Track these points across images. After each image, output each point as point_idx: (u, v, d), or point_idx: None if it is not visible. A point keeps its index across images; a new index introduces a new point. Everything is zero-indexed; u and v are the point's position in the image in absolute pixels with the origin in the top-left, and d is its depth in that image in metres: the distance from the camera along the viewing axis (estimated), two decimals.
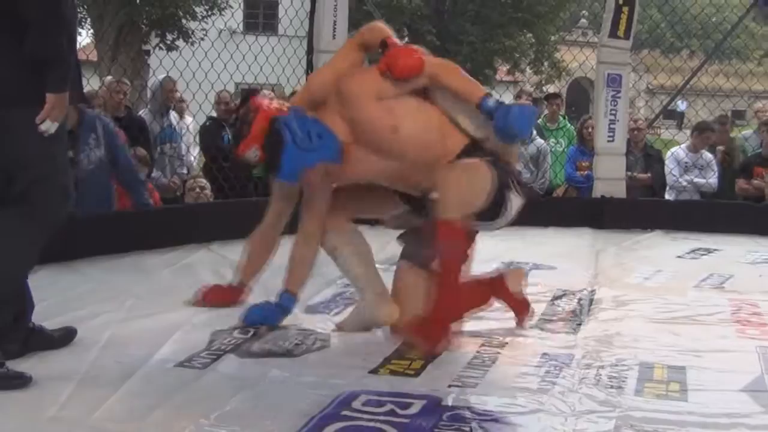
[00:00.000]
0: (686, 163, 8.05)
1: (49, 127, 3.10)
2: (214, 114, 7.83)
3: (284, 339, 3.55)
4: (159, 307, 4.06)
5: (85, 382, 2.98)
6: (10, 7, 3.06)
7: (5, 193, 3.17)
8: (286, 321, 3.80)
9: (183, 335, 3.59)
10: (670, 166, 8.09)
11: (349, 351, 3.45)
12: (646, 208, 7.38)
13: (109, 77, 8.02)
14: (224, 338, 3.53)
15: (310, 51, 6.93)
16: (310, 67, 6.91)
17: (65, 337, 3.49)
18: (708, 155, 8.14)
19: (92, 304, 4.10)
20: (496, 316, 4.01)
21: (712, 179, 7.97)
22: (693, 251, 6.01)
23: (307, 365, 3.22)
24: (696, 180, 7.96)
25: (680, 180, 7.96)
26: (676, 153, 8.15)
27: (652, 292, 4.65)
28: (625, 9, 7.19)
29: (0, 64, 3.10)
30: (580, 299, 4.43)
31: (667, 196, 8.01)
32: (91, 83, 8.74)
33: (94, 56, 17.44)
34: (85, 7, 18.44)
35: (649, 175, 8.08)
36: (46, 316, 3.54)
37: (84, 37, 19.69)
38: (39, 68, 3.09)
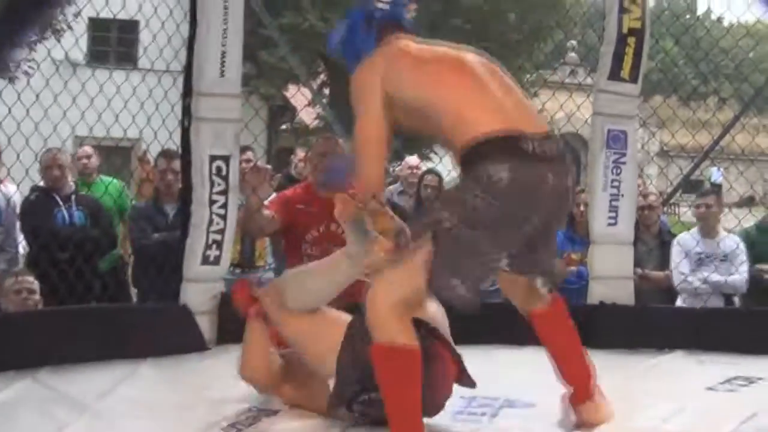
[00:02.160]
0: (699, 254, 8.20)
1: None
2: (42, 183, 7.79)
3: None
4: None
5: None
6: None
7: None
8: None
9: None
10: (676, 259, 8.22)
11: None
12: (662, 318, 7.44)
13: None
14: None
15: (187, 93, 6.91)
16: (186, 116, 6.89)
17: None
18: (732, 239, 8.32)
19: None
20: None
21: (736, 275, 8.16)
22: (729, 381, 6.04)
23: None
24: (713, 278, 8.10)
25: (690, 278, 8.09)
26: (684, 241, 8.29)
27: None
28: (632, 40, 7.31)
29: None
30: None
31: (679, 303, 8.14)
32: None
33: None
34: None
35: (666, 272, 8.21)
36: None
37: None
38: None
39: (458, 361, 4.86)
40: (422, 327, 4.55)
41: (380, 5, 4.59)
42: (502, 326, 4.82)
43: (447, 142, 4.23)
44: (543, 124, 4.29)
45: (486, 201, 3.96)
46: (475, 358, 4.97)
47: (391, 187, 10.06)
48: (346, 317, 4.87)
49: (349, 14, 4.66)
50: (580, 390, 4.59)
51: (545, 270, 4.51)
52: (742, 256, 8.23)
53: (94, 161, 8.57)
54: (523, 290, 4.57)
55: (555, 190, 4.12)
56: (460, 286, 3.99)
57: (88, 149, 8.79)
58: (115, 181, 8.77)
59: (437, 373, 4.65)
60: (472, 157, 4.04)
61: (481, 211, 3.97)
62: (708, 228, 8.36)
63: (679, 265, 8.21)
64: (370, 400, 4.56)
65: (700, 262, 8.22)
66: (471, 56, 4.40)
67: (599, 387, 4.66)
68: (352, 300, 4.90)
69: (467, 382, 4.90)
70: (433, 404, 4.68)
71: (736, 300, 8.39)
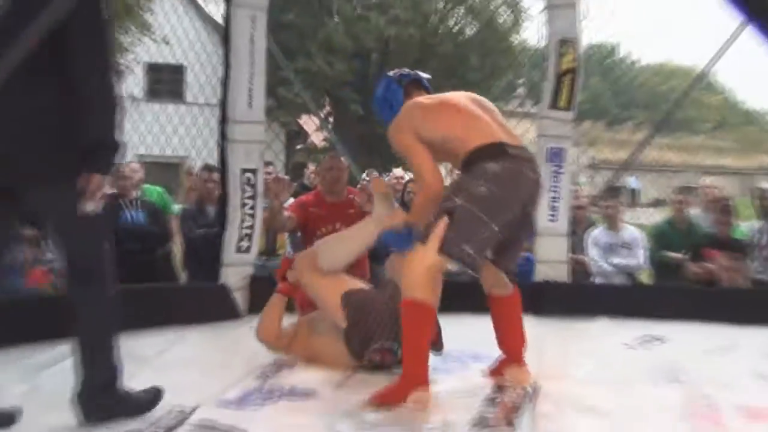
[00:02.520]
0: (608, 243, 8.30)
1: (94, 208, 3.58)
2: (112, 190, 7.80)
3: None
4: (43, 417, 3.98)
5: None
6: (68, 86, 3.52)
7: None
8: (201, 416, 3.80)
9: None
10: (590, 251, 8.31)
11: None
12: (591, 293, 7.52)
13: None
14: None
15: (223, 121, 6.94)
16: (223, 139, 6.94)
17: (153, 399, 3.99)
18: (633, 231, 8.47)
19: None
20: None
21: (638, 259, 8.30)
22: (642, 340, 6.11)
23: None
24: (622, 262, 8.21)
25: (604, 264, 8.20)
26: (595, 235, 8.39)
27: (601, 386, 4.70)
28: (567, 78, 7.38)
29: (48, 142, 3.56)
30: (523, 393, 4.49)
31: (595, 282, 8.23)
32: None
33: None
34: None
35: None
36: None
37: None
38: (88, 148, 3.58)
39: (438, 330, 4.95)
40: None
41: (405, 71, 4.97)
42: (470, 298, 4.87)
43: (454, 158, 4.52)
44: (518, 138, 4.61)
45: (486, 187, 4.23)
46: (448, 324, 5.03)
47: None
48: (360, 281, 5.10)
49: (384, 78, 4.99)
50: (514, 356, 4.81)
51: (513, 266, 4.81)
52: (641, 243, 8.36)
53: (140, 174, 8.56)
54: (492, 277, 4.74)
55: (531, 179, 4.42)
56: (468, 250, 4.20)
57: (134, 165, 8.79)
58: (159, 188, 8.76)
59: None
60: (471, 161, 4.37)
61: (482, 194, 4.23)
62: (613, 223, 8.44)
63: (592, 254, 8.31)
64: (382, 348, 4.80)
65: (608, 249, 8.31)
66: (463, 98, 4.70)
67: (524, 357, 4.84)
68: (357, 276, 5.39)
69: (438, 346, 4.99)
70: None
71: (639, 278, 8.56)
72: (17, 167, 3.58)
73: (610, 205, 8.63)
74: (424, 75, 5.01)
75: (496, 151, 4.37)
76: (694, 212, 8.97)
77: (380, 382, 4.53)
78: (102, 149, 3.64)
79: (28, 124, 3.56)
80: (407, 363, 4.30)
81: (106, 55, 3.65)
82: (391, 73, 5.00)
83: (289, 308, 5.49)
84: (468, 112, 4.56)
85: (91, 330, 3.85)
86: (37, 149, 3.57)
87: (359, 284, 5.11)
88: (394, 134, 4.61)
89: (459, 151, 4.44)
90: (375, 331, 4.80)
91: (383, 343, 4.81)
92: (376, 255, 6.28)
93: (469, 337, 5.46)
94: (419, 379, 4.23)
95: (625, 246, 8.32)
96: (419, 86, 4.92)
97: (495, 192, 4.24)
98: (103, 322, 3.89)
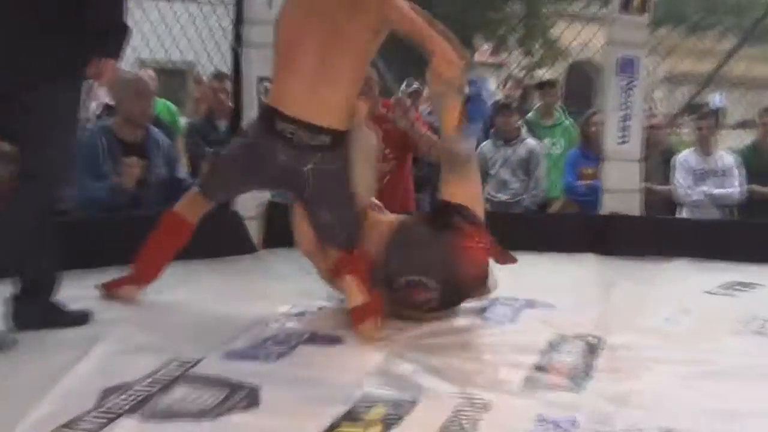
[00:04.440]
0: (699, 170, 8.19)
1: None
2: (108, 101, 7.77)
3: (201, 395, 3.48)
4: (39, 349, 3.98)
5: None
6: None
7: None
8: (204, 369, 3.74)
9: (67, 387, 3.50)
10: (679, 176, 8.20)
11: (283, 411, 3.37)
12: (667, 229, 7.43)
13: None
14: (120, 394, 3.44)
15: (238, 21, 6.89)
16: (237, 42, 6.87)
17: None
18: (727, 158, 8.34)
19: None
20: (474, 364, 4.01)
21: (733, 188, 8.21)
22: (728, 285, 6.04)
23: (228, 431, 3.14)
24: (714, 191, 8.09)
25: (692, 193, 8.10)
26: (685, 159, 8.30)
27: (677, 338, 4.65)
28: None
29: (44, 37, 3.93)
30: (585, 347, 4.42)
31: (683, 215, 8.15)
32: None
33: None
34: None
35: (670, 186, 8.18)
36: None
37: None
38: (96, 37, 4.00)
39: (489, 244, 4.80)
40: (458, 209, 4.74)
41: None
42: (521, 232, 4.78)
43: None
44: (319, 115, 4.51)
45: (231, 149, 5.06)
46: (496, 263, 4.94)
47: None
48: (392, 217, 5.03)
49: None
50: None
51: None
52: (737, 171, 8.23)
53: (154, 85, 8.52)
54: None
55: (278, 163, 4.55)
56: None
57: (151, 72, 8.80)
58: (165, 100, 8.84)
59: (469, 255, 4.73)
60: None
61: (227, 152, 5.10)
62: (705, 146, 8.33)
63: (680, 180, 8.19)
64: (411, 282, 4.67)
65: (699, 177, 8.21)
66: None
67: None
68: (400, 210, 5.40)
69: (508, 258, 4.92)
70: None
71: (732, 211, 8.42)
72: (16, 69, 3.92)
73: (703, 126, 8.50)
74: None
75: (262, 123, 4.67)
76: None
77: (410, 328, 4.57)
78: (111, 33, 4.12)
79: (25, 29, 3.92)
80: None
81: None
82: None
83: None
84: (295, 46, 4.70)
85: (23, 230, 4.09)
86: (33, 51, 3.91)
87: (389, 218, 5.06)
88: None
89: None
90: (411, 264, 4.70)
91: (418, 278, 4.69)
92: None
93: (525, 280, 5.41)
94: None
95: (719, 173, 8.21)
96: None
97: (230, 160, 4.93)
98: (39, 226, 4.13)
